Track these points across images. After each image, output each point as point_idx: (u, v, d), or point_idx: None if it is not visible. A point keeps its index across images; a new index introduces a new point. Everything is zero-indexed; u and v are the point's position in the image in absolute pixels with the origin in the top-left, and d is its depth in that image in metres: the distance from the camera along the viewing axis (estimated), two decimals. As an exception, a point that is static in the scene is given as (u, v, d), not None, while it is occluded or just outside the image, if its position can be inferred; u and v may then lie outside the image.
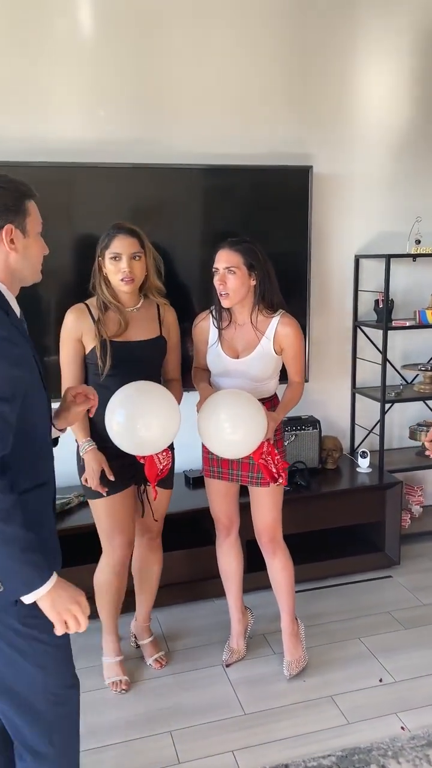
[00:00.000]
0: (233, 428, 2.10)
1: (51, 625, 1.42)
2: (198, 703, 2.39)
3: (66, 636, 1.48)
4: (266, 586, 2.95)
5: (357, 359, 3.56)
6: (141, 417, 2.00)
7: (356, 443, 3.65)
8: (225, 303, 2.29)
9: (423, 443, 3.59)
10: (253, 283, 2.27)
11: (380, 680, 2.50)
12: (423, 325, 3.36)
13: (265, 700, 2.40)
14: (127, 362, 2.20)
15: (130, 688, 2.47)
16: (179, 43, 2.99)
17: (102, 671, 2.54)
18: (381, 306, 3.33)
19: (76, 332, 2.22)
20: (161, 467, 2.16)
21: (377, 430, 3.48)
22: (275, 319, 2.31)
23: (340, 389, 3.60)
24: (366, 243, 3.46)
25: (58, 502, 2.87)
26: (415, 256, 3.34)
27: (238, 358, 2.34)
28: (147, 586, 2.58)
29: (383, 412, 3.37)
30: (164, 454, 2.16)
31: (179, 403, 2.21)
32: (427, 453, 2.20)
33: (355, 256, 3.45)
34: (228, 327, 2.36)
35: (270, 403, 2.37)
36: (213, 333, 2.38)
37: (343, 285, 3.47)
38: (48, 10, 2.79)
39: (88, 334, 2.21)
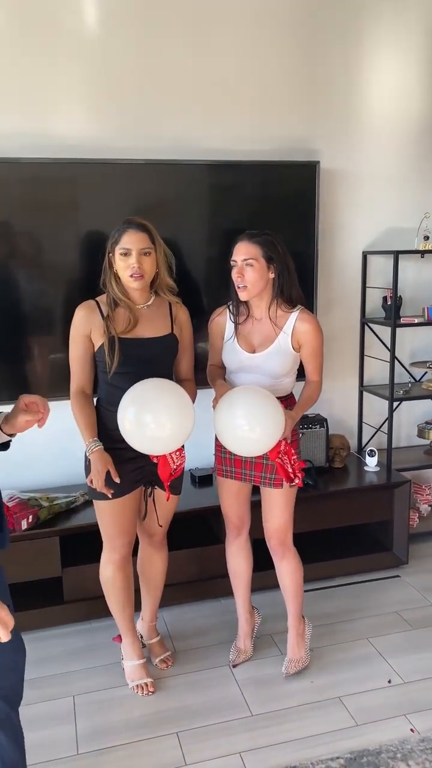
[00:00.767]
0: (250, 426, 2.05)
1: None
2: (205, 703, 2.37)
3: None
4: (274, 585, 2.92)
5: (365, 357, 3.53)
6: (154, 415, 1.97)
7: (364, 442, 3.62)
8: (243, 296, 2.25)
9: (431, 441, 3.56)
10: (272, 275, 2.23)
11: (389, 681, 2.47)
12: (431, 322, 3.33)
13: (273, 701, 2.38)
14: (136, 360, 2.17)
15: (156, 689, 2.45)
16: (186, 40, 2.96)
17: (111, 671, 2.53)
18: (389, 303, 3.29)
19: (85, 329, 2.20)
20: (174, 467, 2.13)
21: (385, 428, 3.45)
22: (294, 314, 2.26)
23: (348, 387, 3.57)
24: (374, 239, 3.43)
25: (63, 500, 2.86)
26: (423, 253, 3.30)
27: (254, 353, 2.29)
28: (152, 586, 2.55)
29: (391, 410, 3.33)
30: (178, 453, 2.13)
31: (193, 403, 2.18)
32: None
33: (363, 252, 3.41)
34: (245, 321, 2.32)
35: (286, 401, 2.31)
36: (229, 327, 2.35)
37: (350, 281, 3.43)
38: (54, 5, 2.77)
39: (97, 330, 2.18)
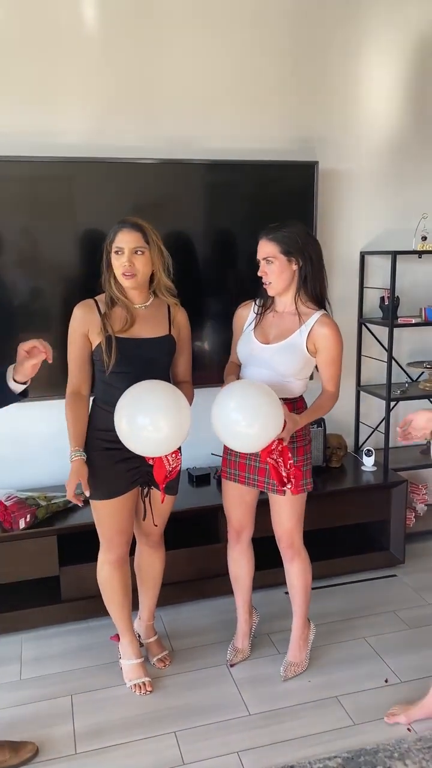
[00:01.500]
0: (244, 419, 2.03)
1: None
2: (202, 703, 2.38)
3: None
4: (271, 584, 2.95)
5: (362, 356, 3.54)
6: (151, 417, 1.97)
7: (361, 441, 3.63)
8: (270, 291, 2.27)
9: (429, 440, 3.57)
10: (295, 268, 2.23)
11: (386, 681, 2.48)
12: (429, 323, 3.34)
13: (270, 701, 2.38)
14: (134, 360, 2.17)
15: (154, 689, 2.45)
16: (185, 39, 2.95)
17: (109, 670, 2.53)
18: (387, 303, 3.30)
19: (83, 327, 2.20)
20: (170, 469, 2.13)
21: (382, 428, 3.46)
22: (316, 315, 2.24)
23: (345, 387, 3.52)
24: (372, 240, 3.43)
25: (61, 499, 2.86)
26: (421, 253, 3.31)
27: (267, 344, 2.28)
28: (150, 585, 2.56)
29: (388, 410, 3.34)
30: (173, 455, 2.13)
31: (190, 405, 2.17)
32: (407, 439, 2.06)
33: (361, 252, 3.42)
34: (267, 313, 2.32)
35: (293, 405, 2.28)
36: (250, 318, 2.36)
37: (348, 282, 3.44)
38: (52, 4, 2.76)
39: (95, 329, 2.18)
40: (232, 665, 2.57)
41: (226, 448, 2.40)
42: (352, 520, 3.26)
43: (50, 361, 1.87)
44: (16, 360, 1.86)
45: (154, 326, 2.25)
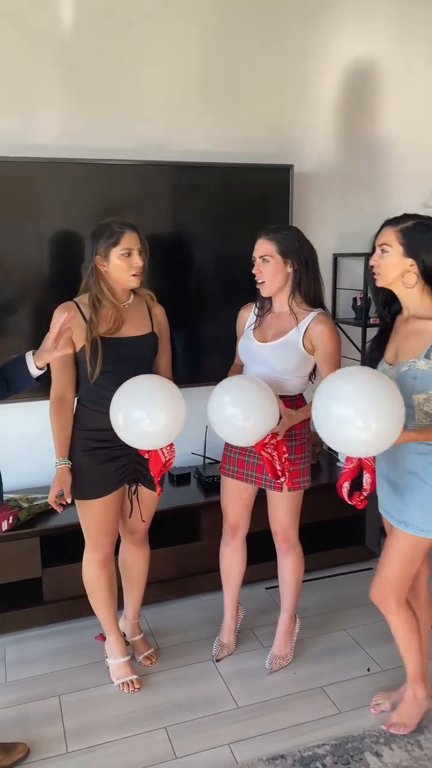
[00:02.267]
0: (238, 410, 2.07)
1: None
2: (191, 698, 2.40)
3: None
4: (254, 580, 2.98)
5: (335, 356, 3.61)
6: (147, 411, 2.00)
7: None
8: (263, 292, 2.31)
9: None
10: (289, 270, 2.28)
11: (368, 670, 2.55)
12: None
13: (257, 693, 2.42)
14: (119, 359, 2.19)
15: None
16: (158, 39, 2.99)
17: (94, 670, 2.54)
18: (359, 304, 3.39)
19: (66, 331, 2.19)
20: (165, 461, 2.16)
21: (356, 425, 3.53)
22: (312, 314, 2.29)
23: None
24: (344, 242, 3.52)
25: (42, 501, 2.86)
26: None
27: (265, 343, 2.33)
28: (135, 584, 2.57)
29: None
30: (168, 448, 2.15)
31: None
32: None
33: (333, 254, 3.50)
34: (266, 314, 2.37)
35: (292, 403, 2.33)
36: (251, 319, 2.41)
37: (321, 283, 3.51)
38: (27, 2, 2.76)
39: (78, 332, 2.18)
40: (218, 660, 2.60)
41: (226, 446, 2.44)
42: (328, 516, 3.32)
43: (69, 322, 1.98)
44: (43, 347, 1.93)
45: (138, 325, 2.27)
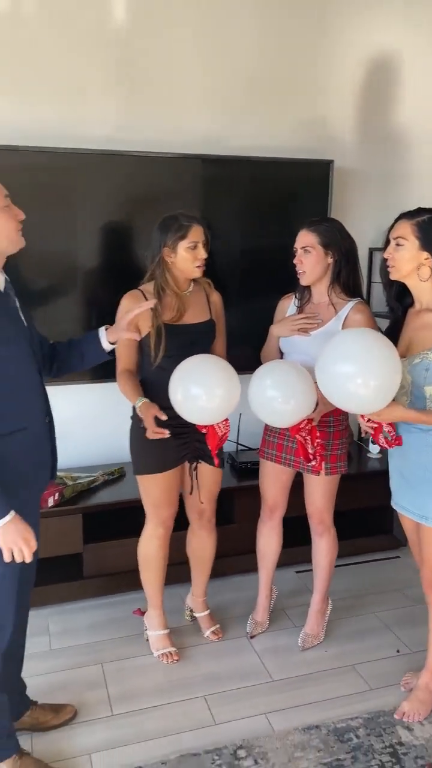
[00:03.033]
0: (279, 393, 2.17)
1: None
2: (227, 671, 2.51)
3: (10, 570, 1.79)
4: (285, 564, 3.07)
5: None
6: (204, 387, 2.11)
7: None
8: (303, 281, 2.39)
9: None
10: (330, 261, 2.36)
11: (397, 651, 2.64)
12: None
13: (291, 668, 2.53)
14: (181, 344, 2.28)
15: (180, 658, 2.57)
16: (200, 32, 3.05)
17: (134, 642, 2.66)
18: (394, 298, 3.45)
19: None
20: (221, 435, 2.26)
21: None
22: (350, 304, 2.37)
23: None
24: (379, 236, 3.58)
25: (85, 479, 2.97)
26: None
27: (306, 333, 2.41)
28: (204, 566, 2.67)
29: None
30: (224, 423, 2.25)
31: None
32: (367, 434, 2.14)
33: (369, 248, 3.57)
34: (305, 304, 2.46)
35: None
36: (291, 309, 2.49)
37: (357, 277, 3.59)
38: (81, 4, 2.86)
39: (145, 320, 2.28)
40: (252, 637, 2.70)
41: (265, 431, 2.53)
42: (358, 504, 3.41)
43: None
44: (117, 325, 2.04)
45: (198, 312, 2.38)
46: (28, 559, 1.73)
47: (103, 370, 2.50)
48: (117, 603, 2.92)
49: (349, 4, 3.26)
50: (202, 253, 2.28)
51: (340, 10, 3.25)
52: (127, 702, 2.33)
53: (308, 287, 2.44)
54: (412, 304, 2.15)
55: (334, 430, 2.46)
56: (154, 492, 2.42)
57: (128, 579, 2.91)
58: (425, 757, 2.12)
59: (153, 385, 2.34)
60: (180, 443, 2.37)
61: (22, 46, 2.81)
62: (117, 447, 3.26)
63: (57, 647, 2.64)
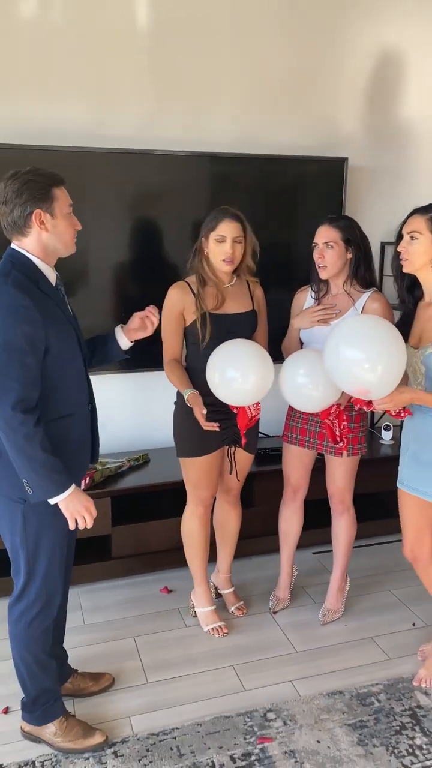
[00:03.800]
0: (309, 381, 2.32)
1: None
2: (253, 643, 2.65)
3: (59, 544, 1.99)
4: (303, 545, 3.20)
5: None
6: (241, 370, 2.25)
7: (377, 417, 3.92)
8: (323, 275, 2.51)
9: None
10: (350, 256, 2.50)
11: (413, 624, 2.78)
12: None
13: (313, 641, 2.67)
14: (224, 332, 2.40)
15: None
16: (217, 32, 3.17)
17: (163, 617, 2.82)
18: (405, 290, 3.58)
19: (179, 307, 2.43)
20: (251, 417, 2.40)
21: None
22: (366, 294, 2.52)
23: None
24: (391, 230, 3.70)
25: (113, 465, 3.10)
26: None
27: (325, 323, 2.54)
28: (228, 540, 2.81)
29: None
30: (255, 406, 2.39)
31: None
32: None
33: (381, 242, 3.70)
34: (323, 297, 2.59)
35: None
36: (309, 302, 2.62)
37: (369, 270, 3.72)
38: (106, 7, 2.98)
39: (190, 307, 2.42)
40: (274, 612, 2.85)
41: (288, 414, 2.66)
42: (371, 489, 3.54)
43: (150, 333, 2.16)
44: (129, 324, 2.14)
45: (240, 302, 2.50)
46: (89, 525, 1.92)
47: (126, 361, 2.61)
48: (144, 582, 3.06)
49: (361, 5, 3.38)
50: (227, 248, 2.36)
51: (353, 11, 3.38)
52: (160, 671, 2.48)
53: (325, 280, 2.57)
54: (422, 296, 2.27)
55: (355, 413, 2.60)
56: (195, 474, 2.56)
57: (154, 559, 3.07)
58: (443, 719, 2.27)
59: (196, 371, 2.45)
60: (221, 428, 2.49)
61: (55, 51, 2.93)
62: (142, 435, 3.42)
63: (90, 622, 2.78)
